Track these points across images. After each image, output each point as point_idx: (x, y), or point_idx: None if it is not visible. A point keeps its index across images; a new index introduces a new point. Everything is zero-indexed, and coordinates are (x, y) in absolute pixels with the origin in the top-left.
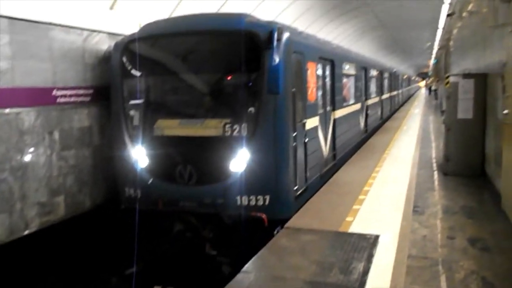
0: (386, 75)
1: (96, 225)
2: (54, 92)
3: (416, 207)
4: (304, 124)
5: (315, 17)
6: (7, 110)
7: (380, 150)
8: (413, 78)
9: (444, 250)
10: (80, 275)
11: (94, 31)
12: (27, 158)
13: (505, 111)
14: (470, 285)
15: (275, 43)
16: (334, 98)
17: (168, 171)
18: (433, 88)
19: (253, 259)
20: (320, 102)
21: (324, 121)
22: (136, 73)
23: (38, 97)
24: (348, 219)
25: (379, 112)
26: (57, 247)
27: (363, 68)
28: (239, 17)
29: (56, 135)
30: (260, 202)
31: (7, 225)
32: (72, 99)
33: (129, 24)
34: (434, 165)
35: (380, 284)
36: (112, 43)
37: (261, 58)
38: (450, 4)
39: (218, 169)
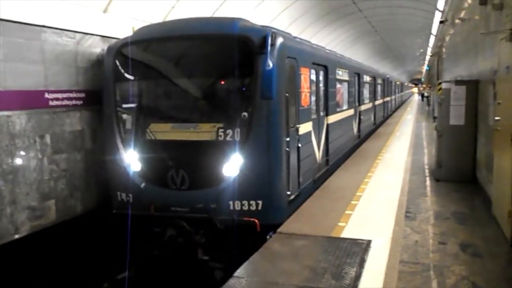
0: (379, 81)
1: (88, 229)
2: (46, 95)
3: (408, 213)
4: (297, 129)
5: (310, 22)
6: None
7: (373, 155)
8: (406, 84)
9: (435, 256)
10: (72, 280)
11: (87, 34)
12: (18, 161)
13: (497, 118)
14: None
15: (269, 48)
16: (327, 103)
17: (160, 176)
18: (425, 94)
19: (245, 264)
20: (313, 108)
21: (317, 127)
22: (129, 77)
23: (30, 100)
24: (341, 224)
25: (372, 118)
26: (49, 252)
27: (357, 74)
28: (233, 21)
29: (48, 138)
30: (253, 207)
31: None
32: (64, 102)
33: (122, 27)
34: (427, 171)
35: None
36: (105, 47)
37: (255, 63)
38: (443, 11)
39: (211, 174)
